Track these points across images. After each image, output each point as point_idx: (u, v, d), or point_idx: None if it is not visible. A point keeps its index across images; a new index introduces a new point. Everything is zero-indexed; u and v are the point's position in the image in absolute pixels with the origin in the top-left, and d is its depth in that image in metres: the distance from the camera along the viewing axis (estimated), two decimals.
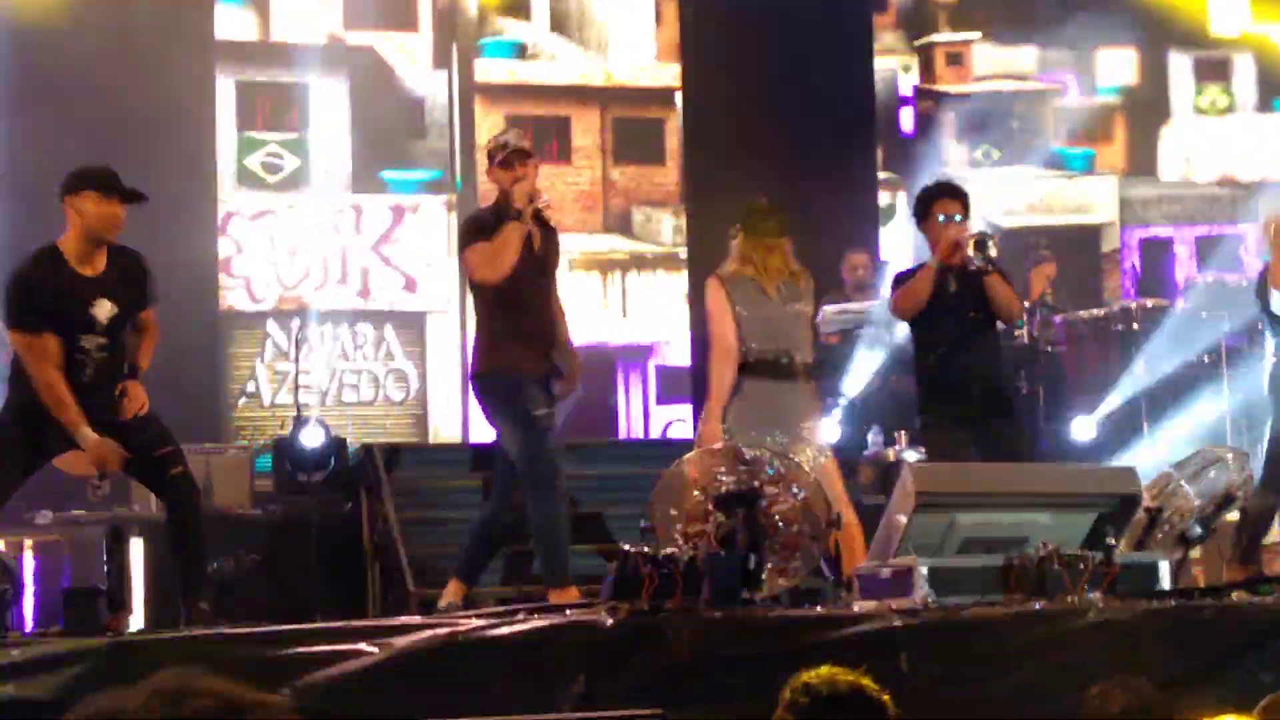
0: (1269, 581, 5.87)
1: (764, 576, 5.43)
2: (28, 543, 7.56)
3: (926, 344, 7.21)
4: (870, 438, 9.17)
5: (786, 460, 5.90)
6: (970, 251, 6.94)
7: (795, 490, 5.83)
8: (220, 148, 10.73)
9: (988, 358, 7.21)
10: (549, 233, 6.78)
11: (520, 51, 11.58)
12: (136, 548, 7.26)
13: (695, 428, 7.28)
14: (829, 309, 9.46)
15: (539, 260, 6.68)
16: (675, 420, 10.97)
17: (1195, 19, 12.31)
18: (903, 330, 8.87)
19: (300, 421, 8.37)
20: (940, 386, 7.13)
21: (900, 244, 11.62)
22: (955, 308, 7.05)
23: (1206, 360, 9.76)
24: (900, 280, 7.33)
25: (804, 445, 6.57)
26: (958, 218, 7.14)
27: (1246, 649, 4.97)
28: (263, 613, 6.67)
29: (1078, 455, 9.37)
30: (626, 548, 5.28)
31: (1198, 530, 6.50)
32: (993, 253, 6.94)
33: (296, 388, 9.54)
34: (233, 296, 10.65)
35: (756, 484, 5.70)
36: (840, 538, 6.29)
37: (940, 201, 7.20)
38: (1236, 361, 9.72)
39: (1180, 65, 12.38)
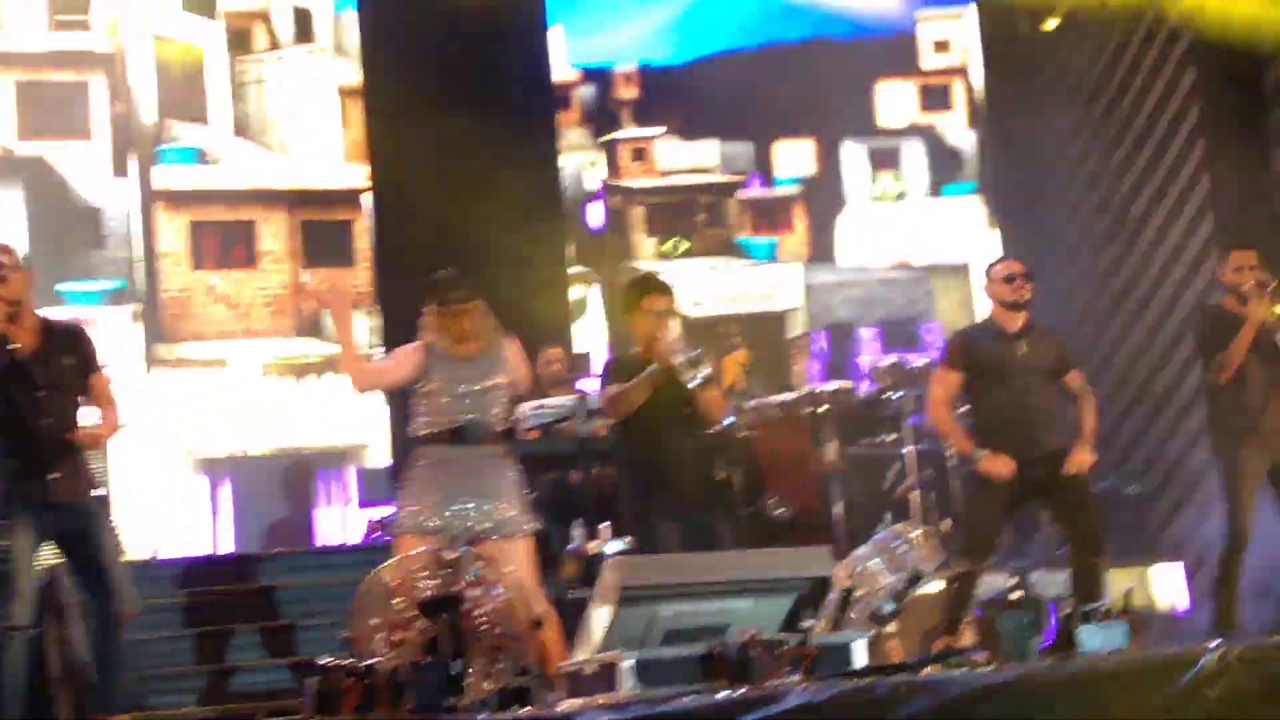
0: (959, 653, 6.04)
1: (468, 682, 5.38)
2: None
3: (635, 440, 7.27)
4: (573, 530, 9.17)
5: (489, 562, 5.86)
6: (685, 375, 7.05)
7: (497, 590, 5.80)
8: None
9: (694, 451, 7.32)
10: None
11: (200, 157, 11.40)
12: None
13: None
14: (525, 406, 9.46)
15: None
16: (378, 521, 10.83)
17: (865, 110, 12.81)
18: (603, 423, 8.94)
19: None
20: (650, 480, 7.20)
21: (594, 337, 11.73)
22: (662, 405, 7.14)
23: (891, 440, 10.05)
24: (610, 373, 7.36)
25: (499, 509, 6.50)
26: (667, 312, 7.26)
27: None
28: None
29: (778, 536, 9.53)
30: (326, 660, 5.17)
31: (890, 607, 6.66)
32: (707, 370, 7.10)
33: None
34: None
35: (459, 587, 5.65)
36: (542, 635, 6.26)
37: (649, 296, 7.29)
38: (923, 440, 10.03)
39: (854, 153, 12.84)
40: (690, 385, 7.08)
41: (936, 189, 12.86)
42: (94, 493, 6.36)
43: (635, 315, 7.30)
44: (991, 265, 7.77)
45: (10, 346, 6.23)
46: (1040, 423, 7.35)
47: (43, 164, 10.93)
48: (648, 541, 7.19)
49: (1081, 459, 7.30)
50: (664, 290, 7.35)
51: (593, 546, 8.71)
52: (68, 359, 6.35)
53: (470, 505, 6.47)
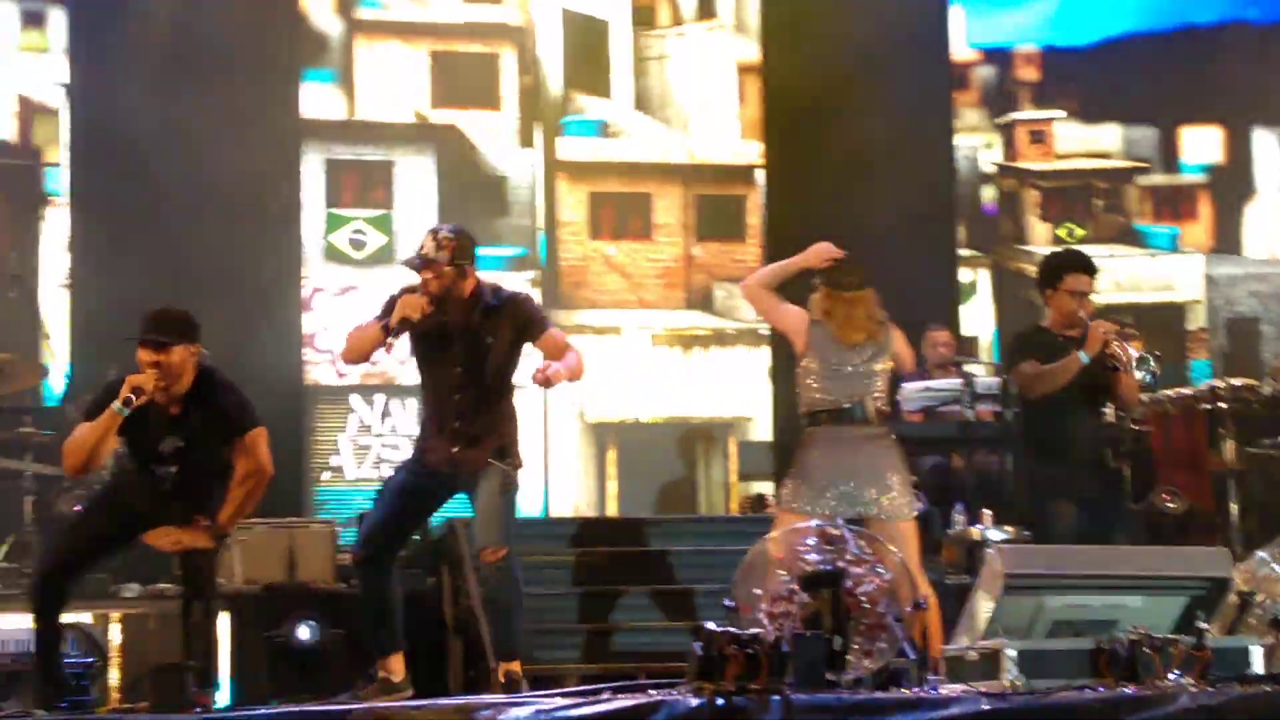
0: None
1: (849, 657, 5.40)
2: (114, 615, 7.61)
3: (1039, 418, 7.20)
4: (954, 515, 9.09)
5: (872, 540, 5.86)
6: (1136, 371, 6.98)
7: (880, 570, 5.79)
8: (307, 224, 10.87)
9: (1096, 436, 7.24)
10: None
11: (602, 130, 11.68)
12: (223, 621, 7.30)
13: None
14: (910, 386, 9.42)
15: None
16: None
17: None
18: (988, 407, 8.83)
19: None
20: (1050, 459, 7.13)
21: (982, 320, 11.58)
22: (1075, 387, 7.07)
23: None
24: (1022, 347, 7.28)
25: (883, 492, 6.49)
26: (1087, 293, 7.19)
27: None
28: (345, 688, 6.69)
29: (1169, 532, 9.27)
30: (711, 626, 5.25)
31: None
32: (1156, 370, 7.02)
33: (380, 462, 9.60)
34: (317, 371, 10.75)
35: (842, 564, 5.67)
36: (923, 618, 6.23)
37: (1074, 275, 7.21)
38: None
39: (1266, 141, 12.32)
40: (1136, 377, 7.00)
41: None
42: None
43: (1055, 292, 7.22)
44: None
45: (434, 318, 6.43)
46: None
47: (454, 131, 11.38)
48: (1041, 521, 7.11)
49: None
50: (1089, 269, 7.27)
51: (975, 532, 8.62)
52: (500, 331, 6.49)
53: (853, 486, 6.48)
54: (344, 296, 10.94)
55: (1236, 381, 9.97)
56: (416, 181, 11.17)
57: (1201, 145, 12.37)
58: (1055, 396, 7.04)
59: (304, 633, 7.28)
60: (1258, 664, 5.56)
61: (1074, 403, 7.08)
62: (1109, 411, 9.24)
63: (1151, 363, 7.04)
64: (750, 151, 11.77)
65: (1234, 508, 9.39)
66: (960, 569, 8.24)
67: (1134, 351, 7.05)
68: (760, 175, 11.69)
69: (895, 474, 6.61)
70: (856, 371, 6.60)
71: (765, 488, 10.82)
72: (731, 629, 5.22)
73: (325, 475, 10.73)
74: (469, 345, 6.44)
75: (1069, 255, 7.62)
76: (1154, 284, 12.10)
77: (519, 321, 6.50)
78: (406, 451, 10.87)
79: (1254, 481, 9.58)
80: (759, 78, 11.75)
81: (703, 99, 11.86)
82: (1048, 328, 7.29)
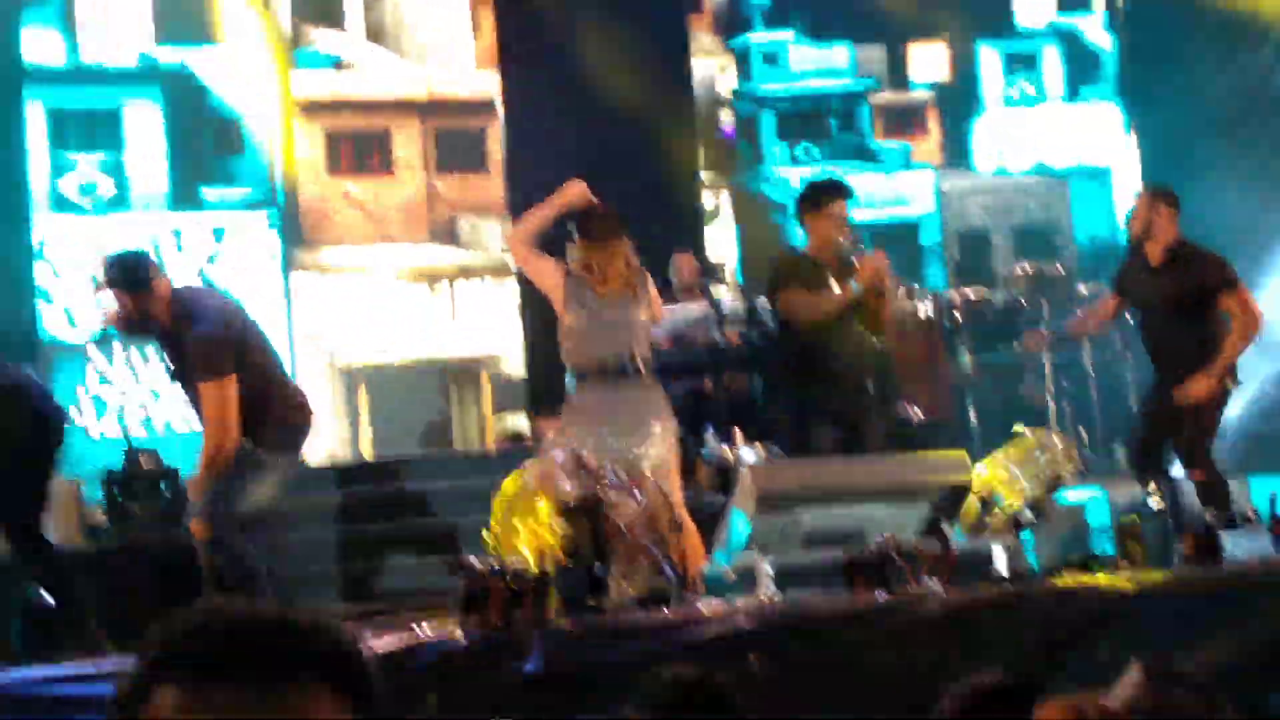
0: (1099, 560, 6.01)
1: (609, 583, 5.45)
2: None
3: (800, 343, 7.26)
4: (707, 438, 9.22)
5: (628, 466, 5.91)
6: (914, 301, 7.09)
7: (637, 495, 5.85)
8: (33, 172, 10.50)
9: (856, 358, 7.33)
10: None
11: (336, 64, 11.48)
12: None
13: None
14: None
15: None
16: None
17: (1002, 11, 12.60)
18: (734, 330, 8.95)
19: (130, 452, 8.20)
20: (813, 383, 7.21)
21: (724, 243, 11.72)
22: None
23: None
24: (784, 274, 7.31)
25: (649, 445, 6.52)
26: (848, 220, 7.25)
27: (1084, 629, 5.10)
28: (97, 648, 6.53)
29: (911, 442, 9.54)
30: (473, 562, 5.25)
31: (1029, 514, 6.63)
32: (924, 301, 7.14)
33: (124, 416, 9.36)
34: (51, 324, 10.42)
35: (599, 491, 5.71)
36: (682, 539, 6.31)
37: (836, 201, 7.24)
38: (1058, 349, 9.95)
39: (989, 57, 12.65)
40: (909, 308, 7.14)
41: (1075, 92, 12.66)
42: None
43: (816, 218, 7.25)
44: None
45: None
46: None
47: (182, 71, 11.07)
48: (802, 444, 7.20)
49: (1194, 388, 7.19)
50: (847, 194, 7.31)
51: (727, 452, 8.77)
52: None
53: (619, 440, 6.47)
54: (78, 245, 10.60)
55: (970, 292, 10.30)
56: (145, 124, 10.85)
57: (928, 62, 12.66)
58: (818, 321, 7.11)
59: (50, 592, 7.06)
60: (1001, 565, 5.76)
61: (838, 327, 7.16)
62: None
63: (920, 295, 7.19)
64: (488, 83, 11.69)
65: (972, 414, 9.71)
66: (715, 489, 8.38)
67: (902, 283, 7.21)
68: (499, 106, 11.62)
69: (659, 422, 6.64)
70: (618, 322, 6.59)
71: (520, 422, 10.84)
72: (493, 562, 5.23)
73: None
74: (171, 352, 6.36)
75: (827, 182, 7.69)
76: (890, 200, 12.39)
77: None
78: (150, 405, 10.67)
79: (989, 389, 9.92)
80: (492, 7, 11.66)
81: (438, 29, 11.73)
82: (808, 254, 7.35)
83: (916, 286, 7.36)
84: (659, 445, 6.53)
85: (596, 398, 6.54)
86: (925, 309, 7.17)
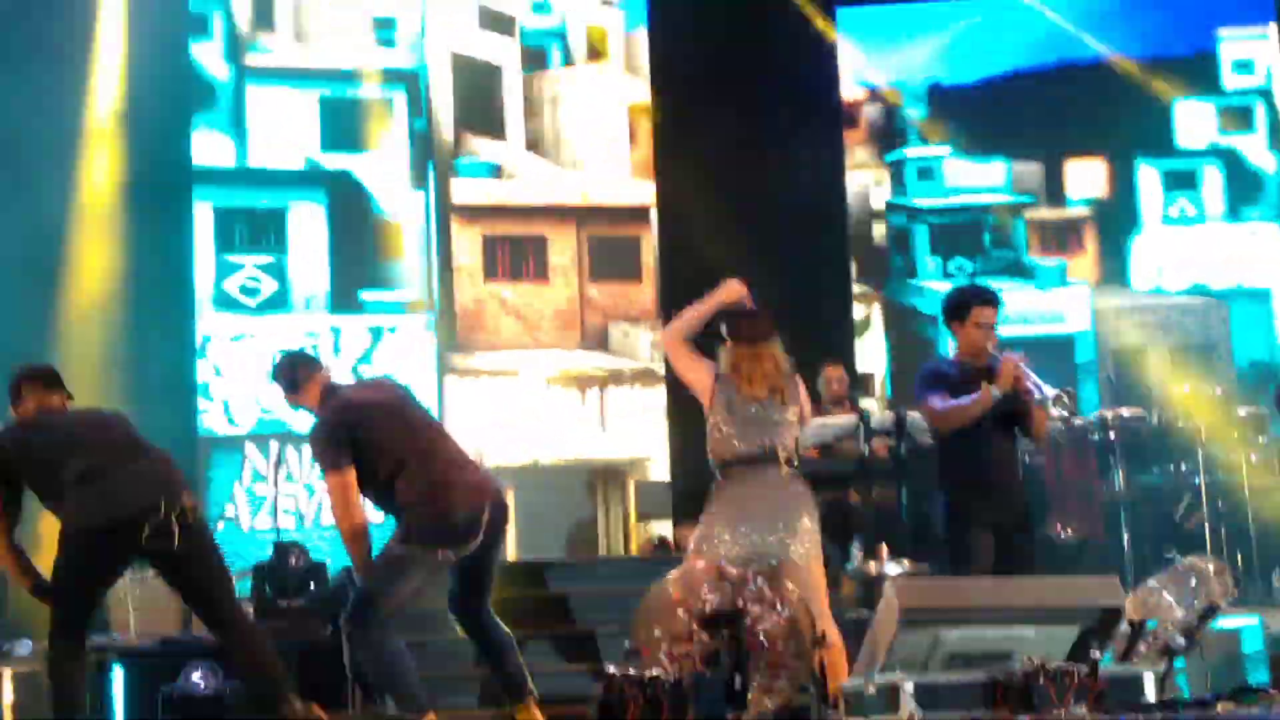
0: (1254, 691, 5.86)
1: (749, 697, 5.42)
2: (7, 673, 7.49)
3: (956, 450, 7.22)
4: (852, 550, 9.15)
5: (771, 577, 5.89)
6: (1052, 409, 7.04)
7: (780, 608, 5.82)
8: (199, 271, 10.80)
9: (1014, 466, 7.28)
10: None
11: (495, 172, 11.69)
12: (117, 676, 7.21)
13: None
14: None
15: None
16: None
17: (1163, 130, 12.50)
18: (883, 442, 8.90)
19: (280, 545, 8.34)
20: (971, 492, 7.16)
21: (875, 355, 11.68)
22: (989, 418, 7.11)
23: (1183, 469, 9.82)
24: (931, 382, 7.30)
25: (792, 538, 6.48)
26: (994, 325, 7.23)
27: None
28: None
29: (1062, 562, 9.39)
30: (612, 669, 5.26)
31: (1181, 641, 6.49)
32: (1070, 407, 7.10)
33: (275, 511, 9.52)
34: (210, 419, 10.65)
35: (741, 602, 5.69)
36: (825, 655, 6.26)
37: (980, 308, 7.23)
38: (1213, 470, 9.76)
39: (1148, 174, 12.55)
40: (1053, 415, 7.07)
41: (1235, 213, 12.49)
42: None
43: (962, 325, 7.25)
44: None
45: None
46: None
47: (346, 176, 11.35)
48: (961, 555, 7.12)
49: None
50: (994, 302, 7.28)
51: (873, 566, 8.69)
52: None
53: (763, 534, 6.44)
54: (236, 344, 10.86)
55: (1125, 411, 10.15)
56: (308, 226, 11.12)
57: (1086, 179, 12.58)
58: (971, 428, 7.05)
59: (199, 682, 7.19)
60: (1150, 692, 5.63)
61: (990, 433, 7.11)
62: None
63: (1066, 400, 7.11)
64: (643, 192, 11.83)
65: (1125, 536, 9.54)
66: (859, 604, 8.30)
67: (1049, 390, 7.12)
68: (654, 215, 11.75)
69: (805, 519, 6.60)
70: (767, 418, 6.59)
71: (664, 528, 10.85)
72: (632, 671, 5.23)
73: (220, 525, 10.62)
74: None
75: (974, 289, 7.67)
76: (1043, 316, 12.28)
77: None
78: (303, 500, 10.86)
79: (1143, 510, 9.74)
80: (649, 118, 11.82)
81: (595, 139, 11.91)
82: (955, 360, 7.33)
83: (1067, 391, 7.26)
84: (804, 543, 6.49)
85: (740, 489, 6.53)
86: (1069, 414, 7.08)
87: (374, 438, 6.30)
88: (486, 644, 6.54)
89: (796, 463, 6.68)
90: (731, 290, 6.73)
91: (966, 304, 7.25)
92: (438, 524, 6.28)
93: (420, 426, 6.45)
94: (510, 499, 11.16)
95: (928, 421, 7.38)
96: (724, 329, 6.70)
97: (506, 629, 6.50)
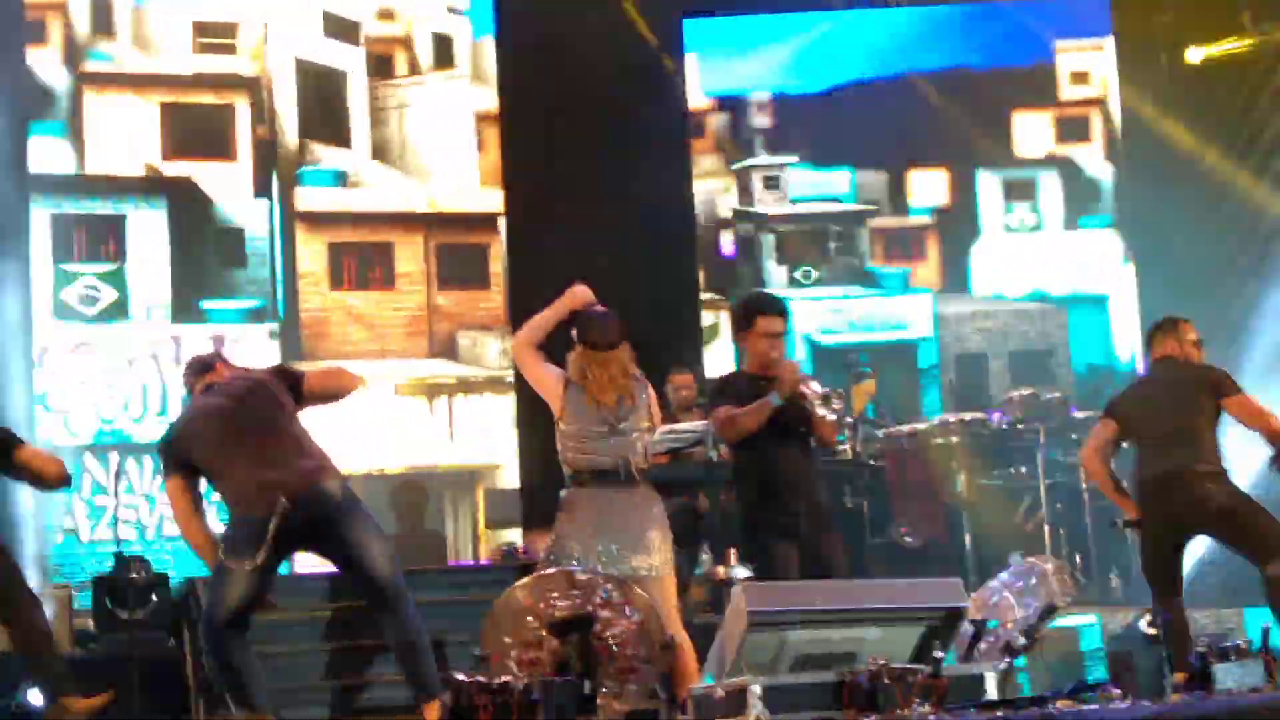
0: (1093, 688, 5.98)
1: (599, 701, 5.43)
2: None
3: (749, 460, 7.25)
4: (701, 556, 9.20)
5: (620, 584, 5.91)
6: (819, 409, 7.07)
7: (629, 613, 5.84)
8: (36, 280, 10.57)
9: (809, 474, 7.29)
10: None
11: (341, 179, 11.59)
12: None
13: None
14: (655, 431, 9.50)
15: None
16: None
17: (1001, 140, 12.74)
18: (729, 448, 8.95)
19: (120, 557, 8.20)
20: (766, 503, 7.18)
21: (724, 363, 11.75)
22: (778, 428, 7.12)
23: (1023, 472, 10.01)
24: (721, 392, 7.34)
25: (645, 554, 6.49)
26: (781, 334, 7.24)
27: None
28: None
29: (906, 564, 9.52)
30: (461, 677, 5.24)
31: (1022, 640, 6.62)
32: (837, 406, 7.13)
33: (116, 523, 9.36)
34: (48, 430, 10.43)
35: (590, 608, 5.71)
36: (674, 659, 6.28)
37: (765, 318, 7.22)
38: (1054, 473, 9.96)
39: (988, 183, 12.77)
40: (826, 416, 7.09)
41: (1073, 221, 12.76)
42: None
43: (748, 335, 7.24)
44: (1179, 320, 7.48)
45: None
46: None
47: (188, 183, 11.17)
48: (764, 564, 7.15)
49: None
50: (780, 311, 7.27)
51: (721, 571, 8.74)
52: None
53: (615, 549, 6.45)
54: (76, 354, 10.64)
55: (967, 415, 10.33)
56: (148, 235, 10.94)
57: (928, 188, 12.78)
58: (762, 439, 7.06)
59: (37, 698, 7.02)
60: (992, 690, 5.73)
61: (785, 442, 7.12)
62: (845, 449, 9.49)
63: (834, 401, 7.17)
64: (491, 200, 11.80)
65: (967, 539, 9.71)
66: (708, 608, 8.35)
67: (818, 388, 7.17)
68: (503, 223, 11.72)
69: (656, 532, 6.61)
70: (616, 431, 6.60)
71: (514, 535, 10.82)
72: (481, 678, 5.21)
73: (58, 538, 10.40)
74: None
75: (759, 297, 7.71)
76: (888, 323, 12.44)
77: None
78: (144, 511, 10.67)
79: (985, 512, 9.92)
80: (497, 126, 11.80)
81: (442, 148, 11.86)
82: (744, 371, 7.33)
83: (836, 392, 7.34)
84: (655, 556, 6.52)
85: (592, 503, 6.54)
86: (838, 414, 7.15)
87: (196, 448, 6.41)
88: (392, 643, 6.43)
89: (646, 467, 6.71)
90: (578, 296, 6.75)
91: (752, 314, 7.25)
92: (238, 531, 6.29)
93: (242, 431, 6.41)
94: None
95: (716, 431, 7.36)
96: (574, 333, 6.71)
97: (416, 629, 6.36)
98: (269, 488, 6.24)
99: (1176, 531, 7.10)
